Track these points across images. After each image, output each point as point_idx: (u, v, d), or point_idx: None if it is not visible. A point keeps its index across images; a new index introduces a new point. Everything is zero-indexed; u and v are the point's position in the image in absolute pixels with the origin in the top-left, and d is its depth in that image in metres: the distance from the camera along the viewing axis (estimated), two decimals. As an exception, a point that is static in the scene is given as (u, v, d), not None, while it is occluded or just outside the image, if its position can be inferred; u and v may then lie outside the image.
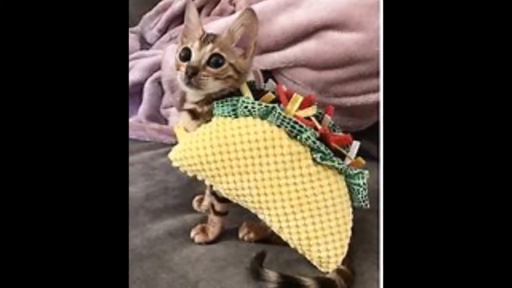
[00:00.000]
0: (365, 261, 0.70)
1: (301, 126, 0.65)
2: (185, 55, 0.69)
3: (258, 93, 0.70)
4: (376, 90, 1.03)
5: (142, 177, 0.97)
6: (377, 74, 1.00)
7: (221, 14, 1.53)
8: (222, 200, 0.72)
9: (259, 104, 0.66)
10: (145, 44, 1.65)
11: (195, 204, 0.85)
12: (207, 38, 0.69)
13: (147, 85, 1.33)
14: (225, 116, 0.68)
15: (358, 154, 0.71)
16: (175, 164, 0.70)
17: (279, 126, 0.65)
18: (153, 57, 1.40)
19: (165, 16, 1.60)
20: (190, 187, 0.91)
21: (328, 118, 0.74)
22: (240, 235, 0.75)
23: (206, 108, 0.71)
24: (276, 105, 0.65)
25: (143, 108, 1.30)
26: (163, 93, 1.34)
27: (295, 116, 0.66)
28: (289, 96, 0.69)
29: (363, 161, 0.72)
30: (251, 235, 0.74)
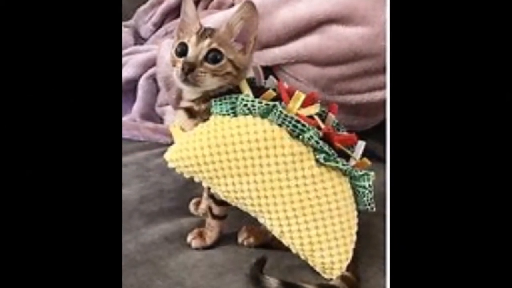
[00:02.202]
0: (370, 267, 0.70)
1: (303, 125, 0.65)
2: (182, 50, 0.69)
3: (258, 91, 0.70)
4: (382, 87, 1.04)
5: (136, 179, 0.97)
6: (383, 71, 1.00)
7: (220, 7, 1.53)
8: (220, 203, 0.72)
9: (259, 102, 0.66)
10: (139, 39, 1.65)
11: (192, 207, 0.85)
12: (204, 33, 0.69)
13: (141, 82, 1.33)
14: (224, 115, 0.68)
15: (363, 155, 0.71)
16: (171, 165, 0.70)
17: (280, 125, 0.65)
18: (148, 53, 1.40)
19: (160, 9, 1.60)
20: (187, 189, 0.91)
21: (332, 116, 0.74)
22: (240, 239, 0.75)
23: (203, 106, 0.71)
24: (277, 103, 0.65)
25: (137, 106, 1.30)
26: (158, 90, 1.34)
27: (297, 114, 0.66)
28: (290, 94, 0.69)
29: (369, 162, 0.72)
30: (251, 239, 0.74)
